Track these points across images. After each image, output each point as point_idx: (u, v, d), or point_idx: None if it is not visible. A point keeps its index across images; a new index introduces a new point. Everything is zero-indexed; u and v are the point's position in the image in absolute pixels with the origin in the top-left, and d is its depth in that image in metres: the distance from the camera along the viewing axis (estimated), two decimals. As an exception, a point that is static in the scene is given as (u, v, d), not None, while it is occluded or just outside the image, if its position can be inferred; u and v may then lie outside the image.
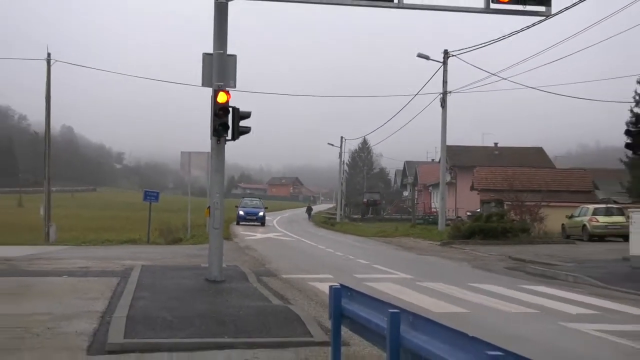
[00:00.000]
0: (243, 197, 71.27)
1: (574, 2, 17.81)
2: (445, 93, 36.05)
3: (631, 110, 42.25)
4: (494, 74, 35.43)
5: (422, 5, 14.64)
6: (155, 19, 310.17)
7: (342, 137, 74.33)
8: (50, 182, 34.44)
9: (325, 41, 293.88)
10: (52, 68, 33.39)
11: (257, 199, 63.16)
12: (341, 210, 73.60)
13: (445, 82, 35.83)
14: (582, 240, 30.04)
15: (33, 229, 33.86)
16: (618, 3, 22.38)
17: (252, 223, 48.35)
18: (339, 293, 5.65)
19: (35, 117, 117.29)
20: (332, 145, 75.52)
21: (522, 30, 25.26)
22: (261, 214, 49.81)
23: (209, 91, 13.74)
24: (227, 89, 13.66)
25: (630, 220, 19.19)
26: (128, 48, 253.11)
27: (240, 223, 48.09)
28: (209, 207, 14.76)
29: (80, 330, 8.83)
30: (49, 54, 33.29)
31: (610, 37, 28.95)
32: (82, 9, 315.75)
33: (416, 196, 75.75)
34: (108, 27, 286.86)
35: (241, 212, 49.68)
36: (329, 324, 6.27)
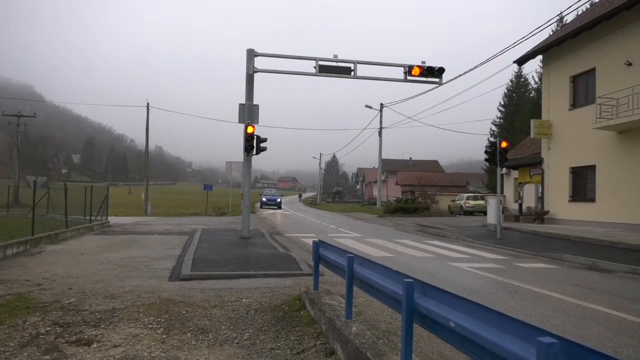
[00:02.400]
0: (264, 189, 60.85)
1: (453, 79, 18.21)
2: (380, 128, 36.11)
3: (488, 139, 42.66)
4: (408, 117, 35.78)
5: (368, 76, 14.77)
6: (218, 81, 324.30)
7: (320, 154, 73.88)
8: (148, 178, 34.18)
9: (312, 97, 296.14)
10: (150, 111, 33.15)
11: (275, 189, 53.83)
12: (320, 196, 73.01)
13: (380, 121, 35.82)
14: (460, 214, 30.33)
15: (137, 206, 33.45)
16: (481, 78, 22.64)
17: (272, 207, 38.57)
18: (318, 245, 5.64)
19: (139, 140, 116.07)
20: (315, 158, 75.11)
21: (425, 92, 25.41)
22: (279, 200, 40.23)
23: (242, 125, 13.59)
24: (253, 124, 13.58)
25: (487, 203, 19.45)
26: (202, 99, 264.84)
27: (263, 207, 38.46)
28: (242, 194, 14.64)
29: (165, 267, 8.76)
30: (147, 103, 33.04)
31: (474, 98, 29.15)
32: (173, 83, 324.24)
33: (364, 188, 75.94)
34: (189, 87, 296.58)
35: (264, 199, 39.98)
36: (312, 263, 6.24)
